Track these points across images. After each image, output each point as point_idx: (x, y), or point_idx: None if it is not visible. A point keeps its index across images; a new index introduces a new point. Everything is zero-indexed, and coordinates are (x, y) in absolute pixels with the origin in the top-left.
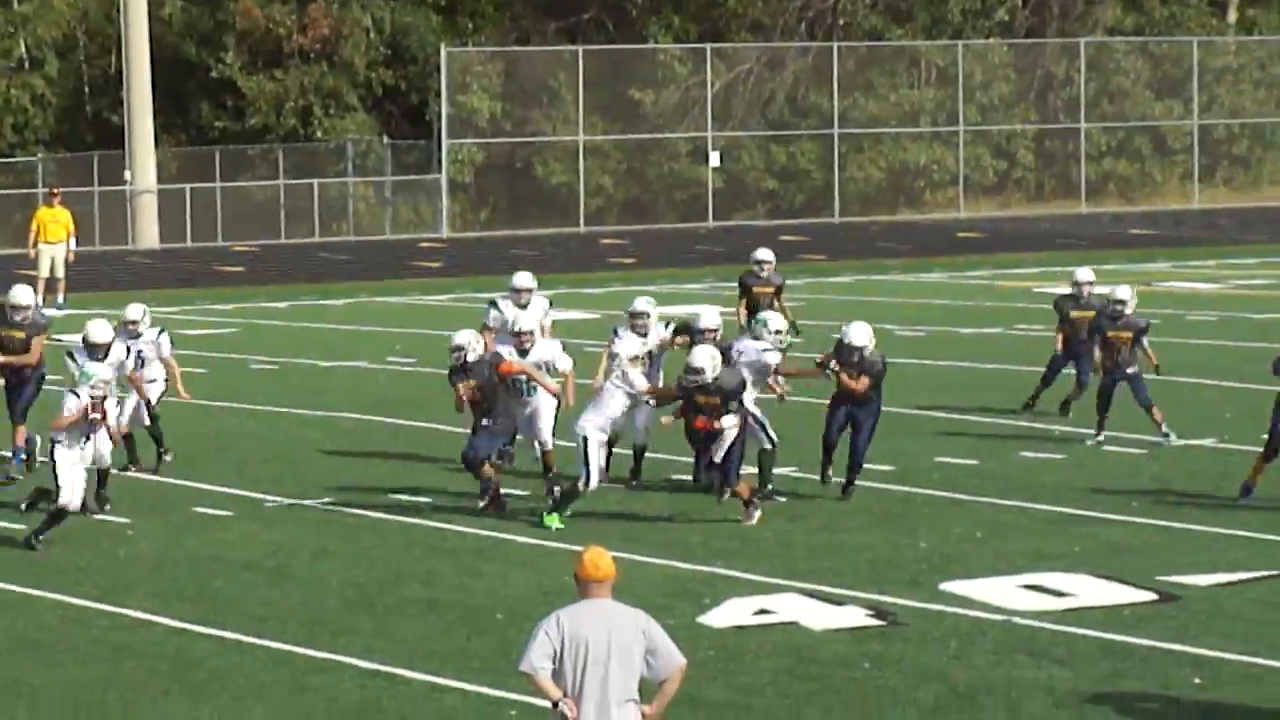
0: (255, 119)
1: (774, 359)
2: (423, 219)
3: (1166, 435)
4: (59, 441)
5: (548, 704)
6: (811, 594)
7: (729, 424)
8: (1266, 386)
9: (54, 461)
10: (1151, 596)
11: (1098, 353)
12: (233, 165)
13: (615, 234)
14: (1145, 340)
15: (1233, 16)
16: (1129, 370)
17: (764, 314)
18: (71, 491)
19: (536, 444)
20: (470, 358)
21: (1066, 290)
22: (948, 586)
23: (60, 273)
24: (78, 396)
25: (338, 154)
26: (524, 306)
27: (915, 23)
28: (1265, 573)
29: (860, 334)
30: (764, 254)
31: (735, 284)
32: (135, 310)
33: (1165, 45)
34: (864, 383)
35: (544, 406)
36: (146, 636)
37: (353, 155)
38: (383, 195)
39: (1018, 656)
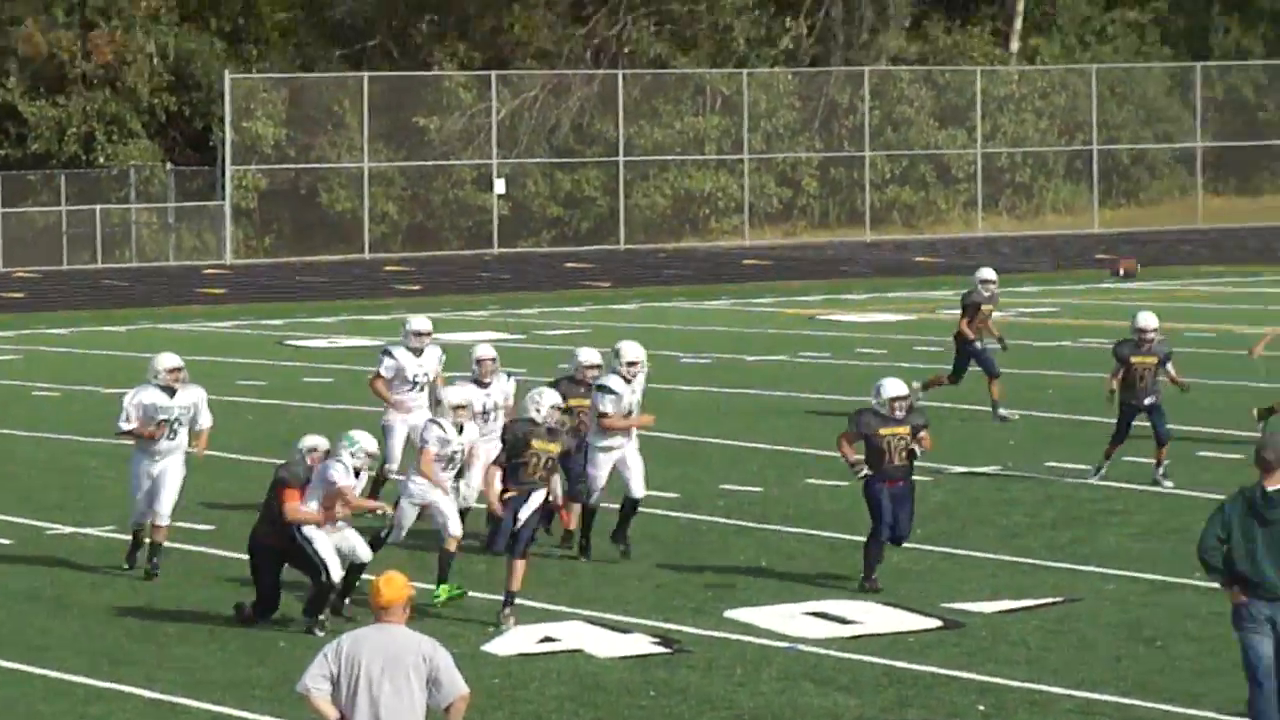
0: (37, 145)
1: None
2: (206, 245)
3: (1164, 476)
4: None
5: None
6: (597, 622)
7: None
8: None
9: None
10: (936, 623)
11: (1114, 382)
12: (14, 191)
13: (400, 261)
14: (1170, 366)
15: (1015, 46)
16: (1148, 401)
17: (620, 344)
18: None
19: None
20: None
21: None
22: (733, 614)
23: None
24: None
25: (121, 180)
26: (418, 352)
27: (700, 50)
28: (1047, 600)
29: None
30: (989, 273)
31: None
32: None
33: (949, 74)
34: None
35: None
36: None
37: (136, 181)
38: (166, 221)
39: (803, 684)
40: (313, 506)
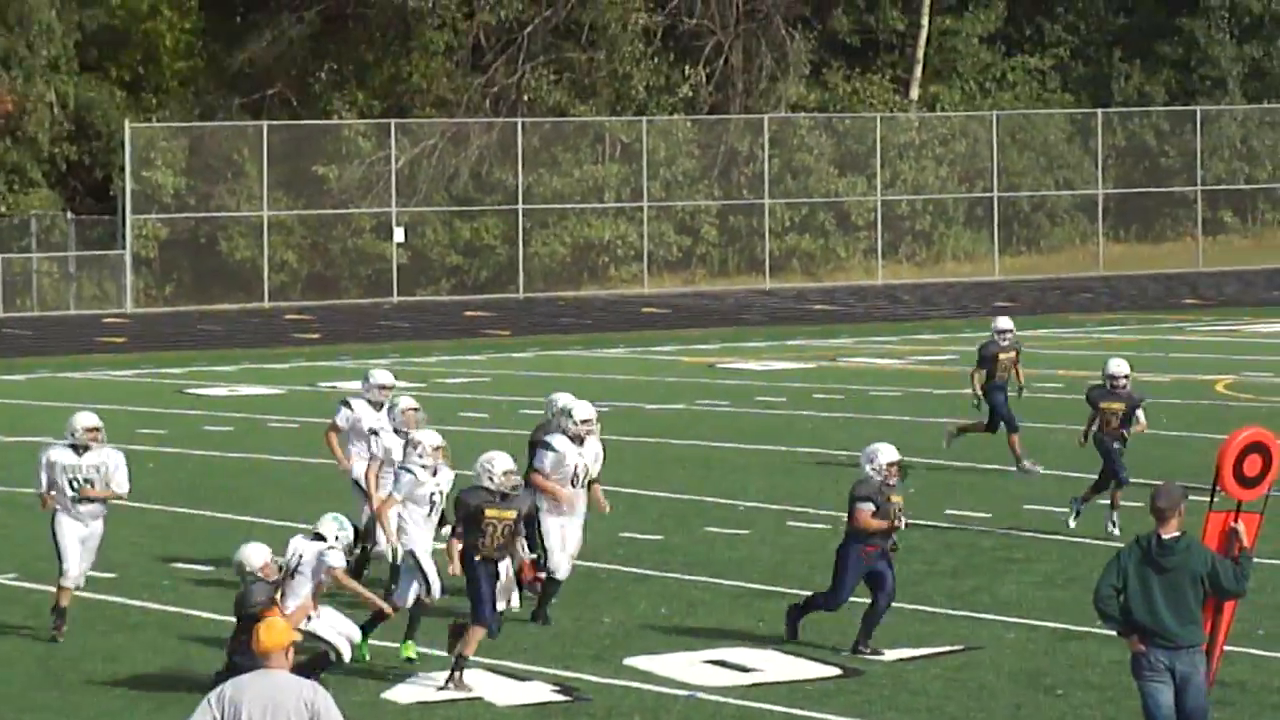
0: None
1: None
2: (107, 294)
3: (1114, 525)
4: None
5: None
6: (496, 669)
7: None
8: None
9: None
10: (836, 671)
11: (1090, 427)
12: None
13: (299, 309)
14: (1140, 413)
15: (915, 93)
16: (1115, 445)
17: (564, 401)
18: None
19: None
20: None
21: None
22: (632, 662)
23: None
24: None
25: (21, 229)
26: (380, 407)
27: (599, 98)
28: (947, 648)
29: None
30: (1005, 323)
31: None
32: None
33: (848, 121)
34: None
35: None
36: None
37: (36, 230)
38: (67, 271)
39: None
40: (306, 593)
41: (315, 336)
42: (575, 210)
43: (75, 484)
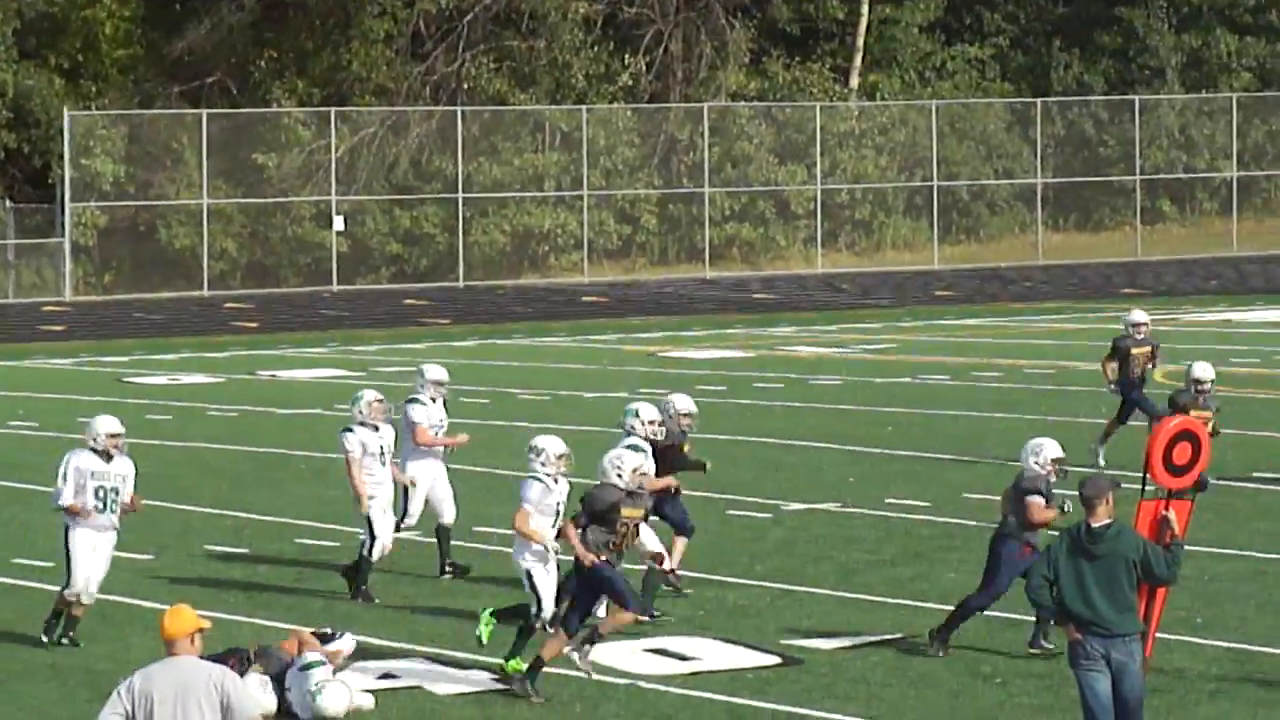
0: None
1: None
2: (46, 283)
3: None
4: None
5: None
6: (436, 658)
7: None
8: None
9: None
10: (775, 660)
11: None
12: None
13: (239, 298)
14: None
15: (855, 82)
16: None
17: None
18: None
19: None
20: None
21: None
22: (573, 651)
23: None
24: None
25: None
26: (433, 401)
27: (539, 87)
28: (886, 636)
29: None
30: (1140, 316)
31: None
32: None
33: (788, 110)
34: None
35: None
36: None
37: None
38: (5, 259)
39: None
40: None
41: (255, 325)
42: (515, 199)
43: (101, 492)
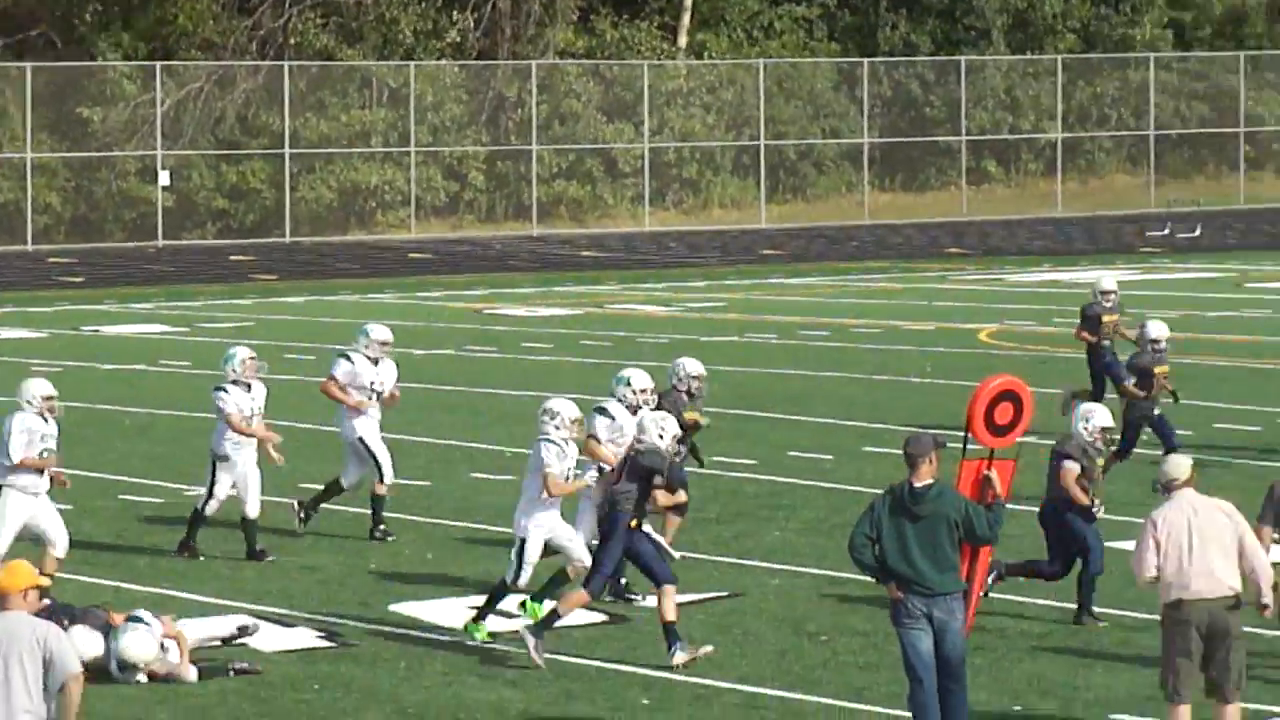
0: None
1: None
2: None
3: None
4: None
5: None
6: (261, 615)
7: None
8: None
9: None
10: (602, 618)
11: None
12: None
13: (63, 252)
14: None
15: (683, 41)
16: (1155, 411)
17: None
18: None
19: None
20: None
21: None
22: (398, 608)
23: None
24: None
25: None
26: (378, 362)
27: (367, 43)
28: (713, 594)
29: None
30: (1109, 283)
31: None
32: None
33: (616, 68)
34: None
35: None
36: None
37: None
38: None
39: (468, 678)
40: None
41: (80, 280)
42: (342, 155)
43: (45, 454)
